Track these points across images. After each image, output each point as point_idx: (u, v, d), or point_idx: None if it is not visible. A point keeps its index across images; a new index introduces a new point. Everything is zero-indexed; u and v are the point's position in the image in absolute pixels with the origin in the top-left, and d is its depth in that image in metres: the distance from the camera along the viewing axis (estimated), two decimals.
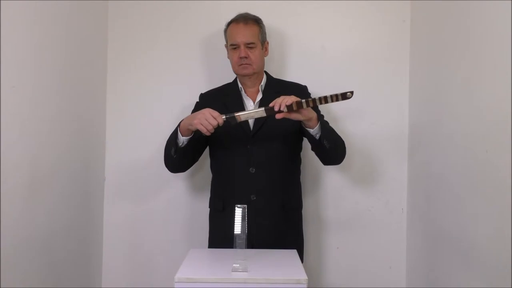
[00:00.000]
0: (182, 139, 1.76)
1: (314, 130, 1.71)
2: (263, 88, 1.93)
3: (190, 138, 1.75)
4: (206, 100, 1.94)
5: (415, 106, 2.14)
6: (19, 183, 1.53)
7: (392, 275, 2.20)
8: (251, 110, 1.66)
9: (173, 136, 1.78)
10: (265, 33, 1.95)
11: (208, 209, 1.99)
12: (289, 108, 1.60)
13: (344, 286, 2.20)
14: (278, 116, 1.61)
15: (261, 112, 1.64)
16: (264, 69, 1.98)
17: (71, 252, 1.92)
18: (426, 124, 2.00)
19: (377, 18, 2.20)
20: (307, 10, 2.21)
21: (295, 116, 1.63)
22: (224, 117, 1.66)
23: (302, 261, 1.72)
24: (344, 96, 1.59)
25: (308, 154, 2.16)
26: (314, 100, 1.59)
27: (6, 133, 1.43)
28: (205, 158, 2.05)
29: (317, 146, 1.77)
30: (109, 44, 2.23)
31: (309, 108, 1.64)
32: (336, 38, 2.22)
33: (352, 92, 1.59)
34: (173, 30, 2.22)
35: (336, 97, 1.59)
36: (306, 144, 2.02)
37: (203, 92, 2.01)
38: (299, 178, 1.99)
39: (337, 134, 1.84)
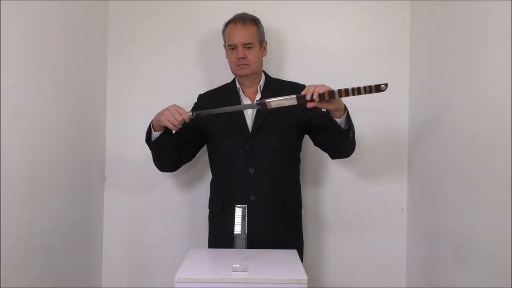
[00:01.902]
0: (154, 134, 1.76)
1: (341, 120, 1.68)
2: (261, 88, 1.93)
3: (162, 133, 1.75)
4: (204, 101, 1.95)
5: (415, 106, 2.14)
6: (19, 183, 1.53)
7: (392, 275, 2.20)
8: (282, 97, 1.61)
9: (147, 132, 1.79)
10: (263, 33, 1.95)
11: (208, 209, 1.99)
12: (321, 97, 1.57)
13: (344, 286, 2.20)
14: (309, 105, 1.58)
15: (292, 99, 1.60)
16: (263, 69, 1.98)
17: (71, 252, 1.92)
18: (426, 124, 2.00)
19: (377, 18, 2.20)
20: (307, 10, 2.21)
21: (325, 106, 1.61)
22: (190, 113, 1.67)
23: (302, 261, 1.72)
24: (378, 88, 1.55)
25: (308, 154, 2.17)
26: (347, 90, 1.56)
27: (6, 133, 1.43)
28: (205, 159, 2.05)
29: (339, 137, 1.74)
30: (109, 44, 2.23)
31: (339, 98, 1.62)
32: (336, 38, 2.22)
33: (386, 85, 1.55)
34: (173, 30, 2.22)
35: (369, 89, 1.55)
36: (305, 144, 2.03)
37: (201, 92, 2.02)
38: (298, 178, 1.99)
39: None
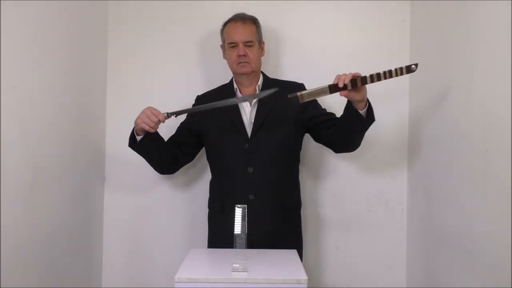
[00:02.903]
0: (137, 138, 1.80)
1: (362, 112, 1.68)
2: (260, 88, 1.93)
3: (143, 137, 1.79)
4: (202, 102, 1.95)
5: (415, 106, 2.14)
6: (19, 183, 1.53)
7: (392, 275, 2.20)
8: (314, 88, 1.61)
9: (130, 137, 1.83)
10: (261, 33, 1.95)
11: (208, 209, 1.99)
12: (353, 84, 1.56)
13: (344, 286, 2.20)
14: (342, 93, 1.58)
15: (325, 89, 1.59)
16: (261, 70, 1.98)
17: (71, 252, 1.92)
18: (426, 124, 2.00)
19: (377, 18, 2.20)
20: (306, 10, 2.21)
21: (353, 96, 1.61)
22: (165, 113, 1.72)
23: (301, 261, 1.72)
24: (409, 69, 1.55)
25: (308, 154, 2.17)
26: (378, 74, 1.56)
27: (6, 133, 1.43)
28: (204, 159, 2.05)
29: (355, 129, 1.75)
30: (109, 44, 2.23)
31: (365, 88, 1.63)
32: (335, 38, 2.22)
33: (416, 65, 1.55)
34: (173, 30, 2.22)
35: (400, 71, 1.55)
36: (305, 143, 2.03)
37: (199, 94, 2.02)
38: (298, 178, 1.99)
39: None
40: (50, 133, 1.73)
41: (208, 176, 2.03)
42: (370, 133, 2.18)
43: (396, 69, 1.56)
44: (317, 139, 1.93)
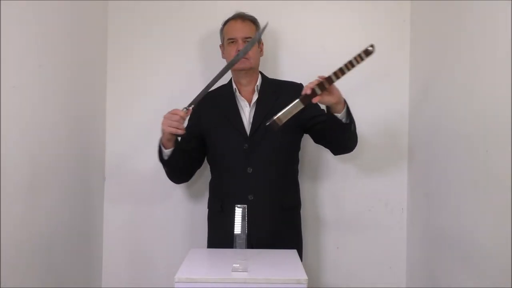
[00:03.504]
0: (166, 152, 1.78)
1: (341, 115, 1.68)
2: (258, 88, 1.93)
3: (174, 149, 1.76)
4: (201, 104, 1.95)
5: (415, 106, 2.14)
6: (19, 183, 1.53)
7: (392, 275, 2.20)
8: (288, 107, 1.58)
9: (159, 153, 1.80)
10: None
11: (207, 209, 1.99)
12: (322, 87, 1.56)
13: (344, 286, 2.20)
14: (314, 100, 1.57)
15: (297, 103, 1.57)
16: (260, 70, 1.98)
17: (71, 252, 1.92)
18: (426, 124, 2.00)
19: (377, 18, 2.20)
20: (306, 10, 2.21)
21: (328, 99, 1.61)
22: (183, 108, 1.68)
23: (301, 261, 1.72)
24: (367, 52, 1.54)
25: (307, 154, 2.17)
26: (341, 69, 1.54)
27: (6, 133, 1.43)
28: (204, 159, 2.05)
29: (342, 132, 1.73)
30: (109, 44, 2.23)
31: (338, 90, 1.63)
32: (335, 38, 2.22)
33: (372, 45, 1.54)
34: (173, 30, 2.22)
35: (360, 57, 1.54)
36: (305, 143, 2.03)
37: None
38: (297, 178, 1.99)
39: None
40: (50, 133, 1.72)
41: (208, 176, 2.03)
42: (370, 133, 2.20)
43: (355, 57, 1.54)
44: (316, 140, 1.93)
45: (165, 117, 1.71)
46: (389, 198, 2.20)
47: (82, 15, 1.98)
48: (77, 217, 1.96)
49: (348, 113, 1.70)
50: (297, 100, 1.57)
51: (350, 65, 1.54)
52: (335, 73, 1.55)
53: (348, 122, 1.69)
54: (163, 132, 1.73)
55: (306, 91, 1.56)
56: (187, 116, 1.72)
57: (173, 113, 1.70)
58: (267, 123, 1.59)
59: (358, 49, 2.18)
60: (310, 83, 1.58)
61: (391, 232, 2.20)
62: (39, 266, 1.66)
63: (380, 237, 2.20)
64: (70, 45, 1.87)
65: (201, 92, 1.72)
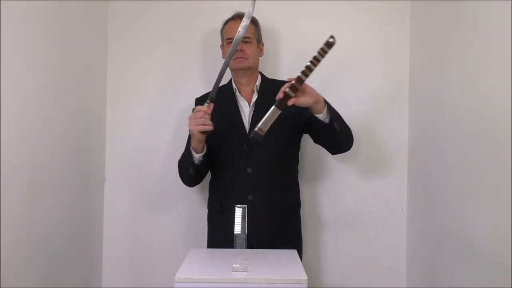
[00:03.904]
0: (197, 157, 1.76)
1: (323, 115, 1.68)
2: (258, 88, 1.93)
3: (205, 153, 1.76)
4: (202, 104, 1.95)
5: (415, 106, 2.14)
6: (19, 183, 1.53)
7: (392, 275, 2.20)
8: (266, 116, 1.58)
9: (188, 157, 1.77)
10: (260, 34, 1.96)
11: (207, 209, 1.99)
12: (294, 89, 1.56)
13: (344, 286, 2.20)
14: (289, 102, 1.57)
15: (274, 110, 1.58)
16: (259, 70, 1.98)
17: (71, 252, 1.92)
18: (426, 124, 2.00)
19: (377, 18, 2.20)
20: (306, 10, 2.21)
21: (304, 100, 1.61)
22: (206, 104, 1.66)
23: (301, 261, 1.72)
24: (329, 44, 1.56)
25: (307, 154, 2.17)
26: (307, 66, 1.55)
27: (6, 133, 1.43)
28: None
29: (328, 132, 1.73)
30: (109, 44, 2.23)
31: (313, 89, 1.63)
32: (335, 38, 2.21)
33: (332, 36, 1.56)
34: (173, 30, 2.22)
35: (323, 51, 1.55)
36: (304, 143, 2.03)
37: (198, 96, 2.01)
38: (297, 178, 1.98)
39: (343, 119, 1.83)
40: (50, 133, 1.73)
41: (208, 176, 2.02)
42: (370, 133, 2.20)
43: (319, 52, 1.55)
44: (315, 140, 1.92)
45: (190, 118, 1.68)
46: (389, 198, 2.20)
47: (82, 15, 1.98)
48: (77, 217, 1.97)
49: (332, 112, 1.69)
50: (273, 107, 1.58)
51: (315, 60, 1.55)
52: (303, 72, 1.56)
53: (329, 122, 1.69)
54: (193, 134, 1.70)
55: (279, 95, 1.57)
56: (210, 110, 1.68)
57: (198, 110, 1.67)
58: (250, 136, 1.60)
59: (359, 49, 2.21)
60: (282, 87, 1.59)
61: (391, 232, 2.20)
62: (39, 266, 1.66)
63: (380, 237, 2.20)
64: (70, 45, 1.87)
65: (214, 86, 1.69)
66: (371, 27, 2.20)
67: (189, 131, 1.72)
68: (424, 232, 2.01)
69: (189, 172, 1.82)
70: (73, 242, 1.93)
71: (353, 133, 1.86)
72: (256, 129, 1.58)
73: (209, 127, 1.67)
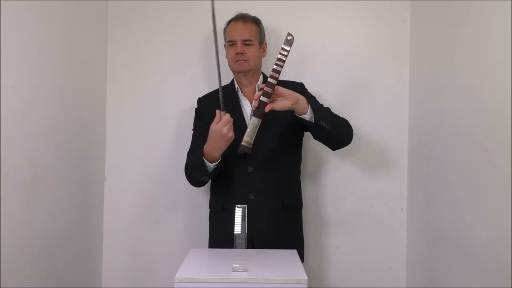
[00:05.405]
0: (213, 165, 1.74)
1: (308, 115, 1.67)
2: (259, 89, 1.92)
3: (219, 161, 1.74)
4: (204, 104, 1.95)
5: (415, 106, 2.14)
6: (19, 183, 1.53)
7: (392, 275, 2.20)
8: (248, 128, 1.60)
9: (201, 165, 1.74)
10: (263, 34, 1.95)
11: (208, 209, 1.99)
12: (267, 95, 1.56)
13: (344, 286, 2.20)
14: (266, 109, 1.57)
15: (254, 120, 1.59)
16: (262, 71, 1.98)
17: (71, 252, 1.92)
18: (426, 124, 2.00)
19: (377, 18, 2.20)
20: (306, 10, 2.21)
21: (282, 104, 1.60)
22: (222, 112, 1.65)
23: (302, 261, 1.72)
24: (288, 42, 1.58)
25: (308, 154, 2.17)
26: (274, 69, 1.56)
27: (6, 133, 1.43)
28: None
29: (318, 131, 1.72)
30: (109, 44, 2.23)
31: (290, 91, 1.62)
32: (336, 38, 2.22)
33: (289, 33, 1.58)
34: (173, 30, 2.22)
35: (284, 50, 1.57)
36: (305, 143, 2.02)
37: (200, 96, 2.01)
38: (299, 177, 1.98)
39: (335, 113, 1.81)
40: (50, 133, 1.73)
41: None
42: (371, 133, 2.20)
43: (280, 52, 1.57)
44: (314, 137, 1.92)
45: (223, 126, 1.63)
46: (389, 198, 2.20)
47: (82, 15, 1.98)
48: (77, 217, 1.97)
49: (318, 111, 1.68)
50: (252, 117, 1.59)
51: (280, 61, 1.57)
52: (271, 76, 1.57)
53: (315, 122, 1.67)
54: (225, 140, 1.66)
55: (255, 104, 1.59)
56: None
57: (224, 120, 1.64)
58: (239, 151, 1.61)
59: (358, 49, 2.21)
60: (255, 95, 1.59)
61: (391, 232, 2.20)
62: (39, 266, 1.66)
63: (380, 237, 2.20)
64: (70, 45, 1.87)
65: (220, 93, 1.67)
66: (371, 27, 2.20)
67: (213, 136, 1.66)
68: (424, 232, 2.01)
69: (201, 179, 1.81)
70: (73, 242, 1.93)
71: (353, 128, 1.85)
72: (242, 143, 1.60)
73: (232, 135, 1.67)
